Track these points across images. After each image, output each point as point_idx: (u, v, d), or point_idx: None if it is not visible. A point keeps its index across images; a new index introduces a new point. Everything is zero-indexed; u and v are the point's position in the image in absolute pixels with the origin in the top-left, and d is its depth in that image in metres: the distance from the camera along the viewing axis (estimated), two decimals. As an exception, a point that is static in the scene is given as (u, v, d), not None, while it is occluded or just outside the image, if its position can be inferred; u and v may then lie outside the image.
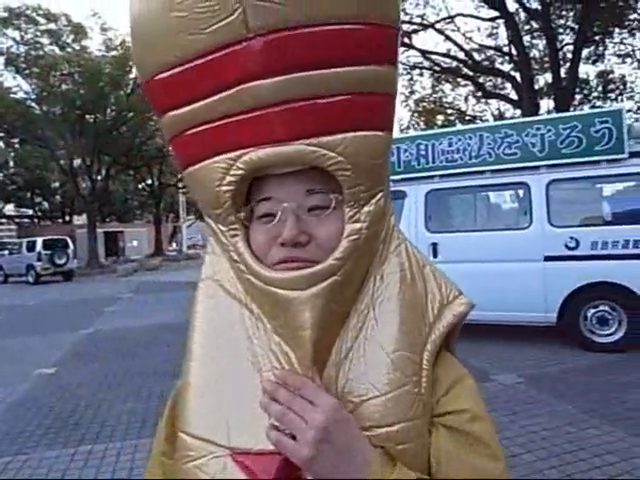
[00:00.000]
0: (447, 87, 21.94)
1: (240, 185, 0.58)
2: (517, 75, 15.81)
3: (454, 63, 18.12)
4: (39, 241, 20.14)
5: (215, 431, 0.59)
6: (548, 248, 5.64)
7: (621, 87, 18.93)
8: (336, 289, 0.56)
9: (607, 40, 17.21)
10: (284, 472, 0.55)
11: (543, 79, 18.98)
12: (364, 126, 0.55)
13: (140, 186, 39.12)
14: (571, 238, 5.53)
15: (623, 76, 19.03)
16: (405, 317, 0.60)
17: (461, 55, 17.81)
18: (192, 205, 34.95)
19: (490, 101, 22.36)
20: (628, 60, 17.87)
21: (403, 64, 17.83)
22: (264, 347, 0.60)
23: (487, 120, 21.23)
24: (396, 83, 0.59)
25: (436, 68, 18.64)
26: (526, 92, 14.58)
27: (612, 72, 18.88)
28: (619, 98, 18.89)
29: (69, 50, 23.60)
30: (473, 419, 0.58)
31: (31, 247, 20.10)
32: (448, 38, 17.36)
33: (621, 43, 17.50)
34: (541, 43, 17.72)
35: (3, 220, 40.48)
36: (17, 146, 33.28)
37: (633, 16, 15.75)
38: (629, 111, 16.56)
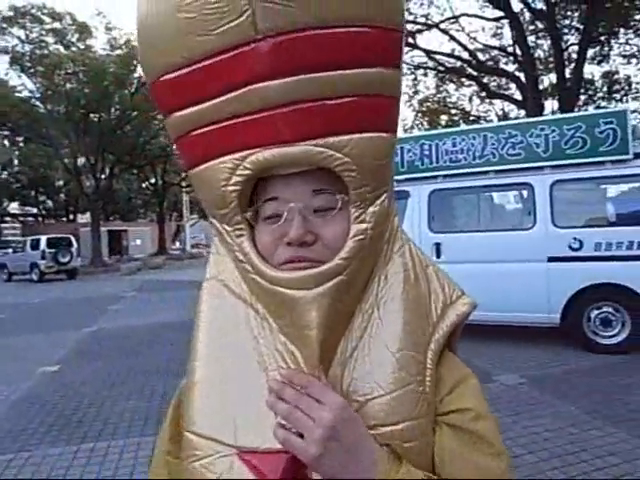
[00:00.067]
0: (451, 87, 21.86)
1: (246, 185, 0.58)
2: (521, 75, 15.73)
3: (458, 63, 18.03)
4: (43, 239, 20.17)
5: (222, 430, 0.59)
6: (552, 249, 5.61)
7: (626, 88, 18.81)
8: (342, 289, 0.56)
9: (612, 40, 17.10)
10: (291, 471, 0.55)
11: (548, 79, 18.89)
12: (370, 127, 0.56)
13: (144, 185, 39.25)
14: (575, 239, 5.50)
15: (628, 77, 18.93)
16: (409, 317, 0.60)
17: (465, 55, 17.71)
18: (195, 204, 35.05)
19: (494, 101, 22.26)
20: (633, 61, 17.76)
21: (407, 64, 17.74)
22: (270, 347, 0.61)
23: (491, 120, 21.18)
24: (400, 86, 0.59)
25: (440, 68, 18.55)
26: (530, 92, 14.51)
27: (617, 73, 18.78)
28: (624, 99, 18.79)
29: (74, 49, 23.65)
30: (477, 418, 0.59)
31: (35, 245, 20.10)
32: (452, 38, 17.29)
33: (626, 43, 17.39)
34: (546, 43, 17.62)
35: (7, 218, 40.67)
36: (21, 145, 33.51)
37: (638, 16, 15.66)
38: (634, 112, 16.45)
